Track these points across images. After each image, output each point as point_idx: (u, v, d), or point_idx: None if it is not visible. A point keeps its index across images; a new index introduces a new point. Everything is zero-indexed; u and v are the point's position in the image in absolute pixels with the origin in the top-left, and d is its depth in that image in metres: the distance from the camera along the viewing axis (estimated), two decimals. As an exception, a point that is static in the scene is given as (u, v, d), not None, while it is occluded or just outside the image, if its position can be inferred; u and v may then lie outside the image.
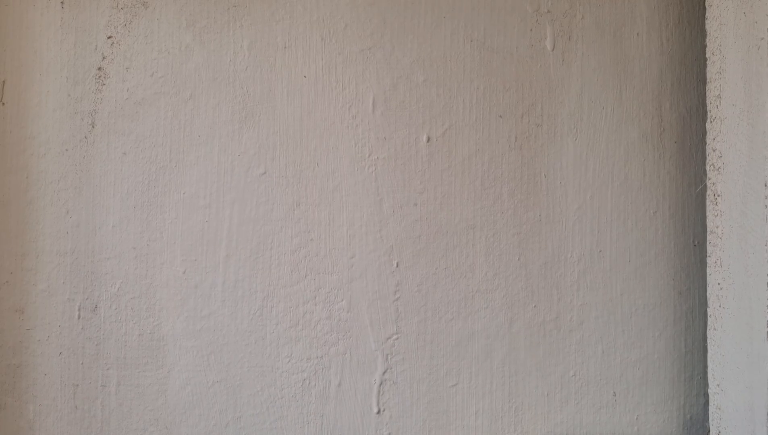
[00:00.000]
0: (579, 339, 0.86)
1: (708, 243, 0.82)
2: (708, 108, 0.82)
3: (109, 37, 0.86)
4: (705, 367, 0.87)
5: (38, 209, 0.85)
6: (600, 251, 0.86)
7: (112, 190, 0.86)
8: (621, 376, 0.87)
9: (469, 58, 0.86)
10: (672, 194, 0.87)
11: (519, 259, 0.86)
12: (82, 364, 0.86)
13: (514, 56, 0.86)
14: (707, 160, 0.82)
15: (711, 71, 0.82)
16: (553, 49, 0.86)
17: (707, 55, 0.83)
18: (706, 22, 0.83)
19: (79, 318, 0.86)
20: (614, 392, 0.86)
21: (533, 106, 0.86)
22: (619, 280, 0.87)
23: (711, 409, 0.82)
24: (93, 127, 0.86)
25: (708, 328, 0.82)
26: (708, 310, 0.82)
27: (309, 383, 0.85)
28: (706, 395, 0.87)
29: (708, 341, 0.82)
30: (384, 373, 0.85)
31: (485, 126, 0.86)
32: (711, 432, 0.83)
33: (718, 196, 0.80)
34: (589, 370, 0.87)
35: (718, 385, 0.81)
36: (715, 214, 0.81)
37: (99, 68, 0.86)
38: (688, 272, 0.87)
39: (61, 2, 0.86)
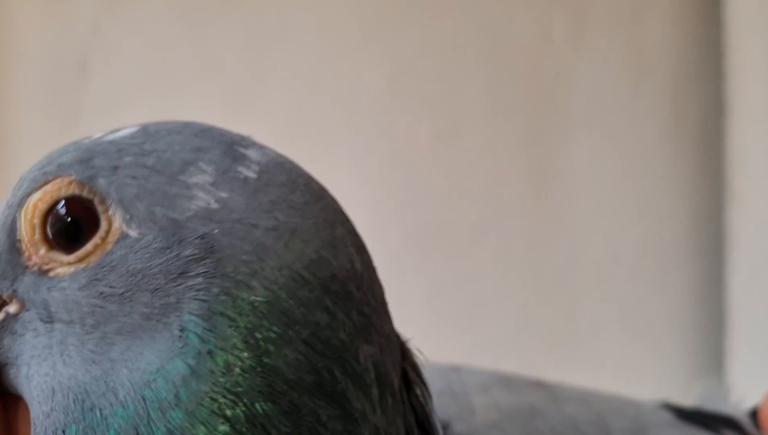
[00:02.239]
0: (593, 349, 0.85)
1: (728, 245, 0.82)
2: (727, 104, 0.82)
3: (94, 27, 0.84)
4: (724, 376, 0.85)
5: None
6: (615, 255, 0.85)
7: (95, 189, 0.84)
8: (637, 387, 0.86)
9: (476, 50, 0.84)
10: (690, 194, 0.86)
11: (529, 264, 0.85)
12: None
13: (524, 48, 0.85)
14: (726, 159, 0.82)
15: (730, 66, 0.82)
16: (565, 42, 0.85)
17: (726, 50, 0.82)
18: (725, 14, 0.82)
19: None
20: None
21: (544, 101, 0.85)
22: (636, 286, 0.86)
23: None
24: (77, 120, 0.84)
25: (728, 335, 0.82)
26: (728, 315, 0.82)
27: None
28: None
29: (728, 349, 0.82)
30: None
31: (493, 121, 0.84)
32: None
33: (738, 196, 0.80)
34: (603, 382, 0.86)
35: (738, 395, 0.81)
36: (735, 214, 0.81)
37: (83, 59, 0.83)
38: (707, 276, 0.86)
39: (43, -11, 0.83)
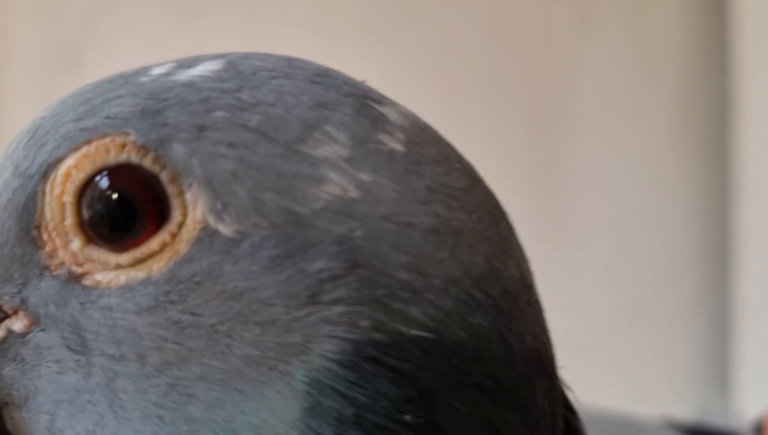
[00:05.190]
0: (599, 351, 0.84)
1: (733, 245, 0.82)
2: (732, 102, 0.82)
3: (88, 23, 0.83)
4: (729, 374, 0.85)
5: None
6: (619, 253, 0.85)
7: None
8: (643, 388, 0.84)
9: (478, 45, 0.83)
10: (695, 193, 0.86)
11: (533, 265, 0.84)
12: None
13: (528, 43, 0.84)
14: (731, 157, 0.82)
15: (735, 63, 0.81)
16: (569, 37, 0.84)
17: (732, 47, 0.82)
18: (731, 11, 0.82)
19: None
20: (635, 403, 0.86)
21: (548, 97, 0.84)
22: (641, 286, 0.85)
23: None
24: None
25: (733, 334, 0.82)
26: (733, 315, 0.82)
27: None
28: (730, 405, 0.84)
29: (732, 348, 0.82)
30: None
31: (496, 117, 0.84)
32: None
33: (744, 195, 0.80)
34: (607, 382, 0.85)
35: (743, 395, 0.80)
36: (741, 214, 0.81)
37: (76, 56, 0.83)
38: (713, 276, 0.86)
39: (35, -16, 0.83)
